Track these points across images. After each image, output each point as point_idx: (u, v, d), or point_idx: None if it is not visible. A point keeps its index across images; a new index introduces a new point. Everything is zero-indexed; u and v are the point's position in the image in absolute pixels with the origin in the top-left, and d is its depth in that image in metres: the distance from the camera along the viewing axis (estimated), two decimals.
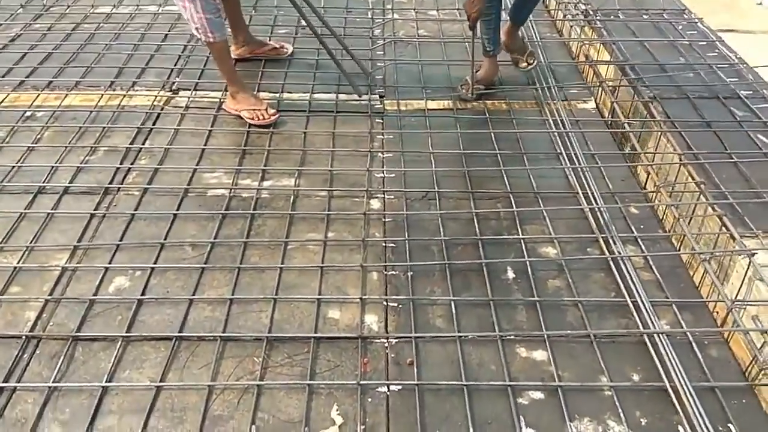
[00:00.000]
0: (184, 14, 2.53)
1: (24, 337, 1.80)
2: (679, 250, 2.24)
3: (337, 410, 1.64)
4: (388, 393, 1.69)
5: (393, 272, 2.05)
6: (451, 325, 1.88)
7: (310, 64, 3.14)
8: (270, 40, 3.27)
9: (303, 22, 2.87)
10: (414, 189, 2.39)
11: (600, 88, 3.08)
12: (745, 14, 4.31)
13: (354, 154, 2.56)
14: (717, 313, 2.05)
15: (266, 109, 2.69)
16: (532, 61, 2.99)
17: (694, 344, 1.82)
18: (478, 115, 2.82)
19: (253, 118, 2.68)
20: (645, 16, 3.57)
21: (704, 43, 3.30)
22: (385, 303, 1.94)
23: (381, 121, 2.78)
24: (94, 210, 2.25)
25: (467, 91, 2.90)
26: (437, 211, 2.28)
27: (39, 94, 2.86)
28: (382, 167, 2.50)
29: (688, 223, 2.25)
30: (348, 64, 2.93)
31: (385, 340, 1.83)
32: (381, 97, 2.91)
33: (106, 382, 1.68)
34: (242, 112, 2.70)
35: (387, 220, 2.25)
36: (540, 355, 1.80)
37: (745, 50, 3.26)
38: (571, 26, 3.64)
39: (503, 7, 2.92)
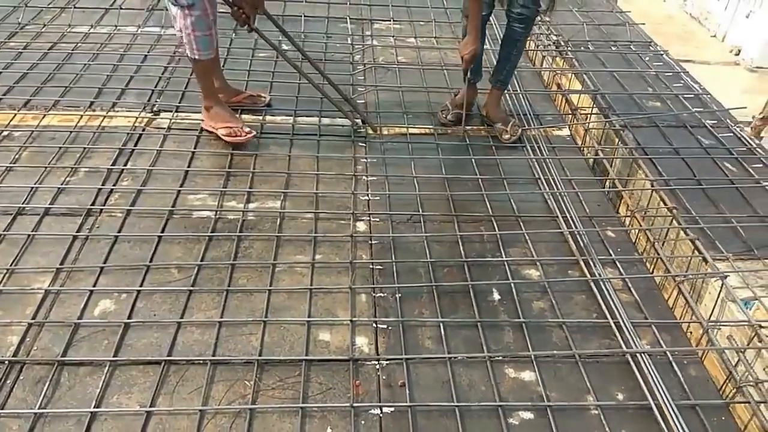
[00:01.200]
0: (174, 24, 2.48)
1: (6, 362, 1.75)
2: (653, 272, 2.32)
3: None
4: (381, 415, 1.70)
5: (381, 294, 2.07)
6: (440, 346, 1.91)
7: (293, 87, 3.16)
8: (246, 87, 3.09)
9: (284, 46, 2.91)
10: (399, 212, 2.43)
11: (573, 116, 3.19)
12: (702, 46, 4.54)
13: (338, 177, 2.59)
14: (690, 333, 2.13)
15: (242, 127, 2.68)
16: (515, 132, 2.87)
17: (674, 363, 1.89)
18: (459, 141, 2.89)
19: (229, 135, 2.66)
20: (613, 48, 3.73)
21: (670, 74, 3.47)
22: (374, 325, 1.96)
23: (364, 145, 2.82)
24: (77, 232, 2.21)
25: (446, 116, 2.96)
26: (423, 234, 2.32)
27: (16, 114, 2.81)
28: (367, 190, 2.53)
29: (662, 247, 2.35)
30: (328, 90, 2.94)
31: (376, 362, 1.84)
32: (363, 122, 2.96)
33: (94, 407, 1.65)
34: (219, 130, 2.69)
35: (374, 242, 2.28)
36: (528, 375, 1.84)
37: (701, 80, 3.44)
38: (543, 56, 3.78)
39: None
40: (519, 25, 2.71)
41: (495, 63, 2.95)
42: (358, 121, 2.91)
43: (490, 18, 2.85)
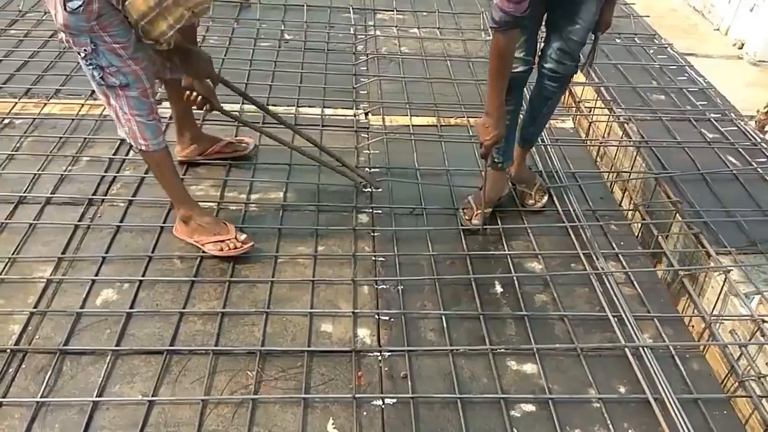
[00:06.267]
0: (109, 112, 1.98)
1: (9, 350, 1.75)
2: (656, 266, 2.32)
3: (333, 424, 1.65)
4: (383, 406, 1.70)
5: (384, 286, 2.07)
6: (442, 338, 1.90)
7: (295, 77, 3.15)
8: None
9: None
10: (401, 204, 2.42)
11: (576, 109, 3.18)
12: (704, 39, 4.52)
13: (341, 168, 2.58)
14: (692, 327, 2.13)
15: (235, 237, 2.11)
16: (540, 198, 2.42)
17: (676, 357, 1.89)
18: (462, 132, 2.87)
19: (221, 251, 2.09)
20: (618, 40, 3.71)
21: (674, 67, 3.46)
22: (376, 317, 1.96)
23: (366, 136, 2.80)
24: (78, 221, 2.20)
25: (471, 218, 2.30)
26: (425, 227, 2.31)
27: (17, 102, 2.80)
28: (370, 183, 2.52)
29: (665, 240, 2.34)
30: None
31: (379, 354, 1.84)
32: (366, 113, 2.95)
33: (96, 396, 1.65)
34: (206, 246, 2.10)
35: (376, 234, 2.27)
36: (530, 368, 1.84)
37: (704, 74, 3.42)
38: None
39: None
40: (551, 84, 2.16)
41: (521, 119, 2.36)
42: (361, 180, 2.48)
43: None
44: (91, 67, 1.83)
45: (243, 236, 2.13)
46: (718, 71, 3.74)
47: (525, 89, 2.29)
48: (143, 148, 1.98)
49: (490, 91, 1.99)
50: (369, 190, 2.46)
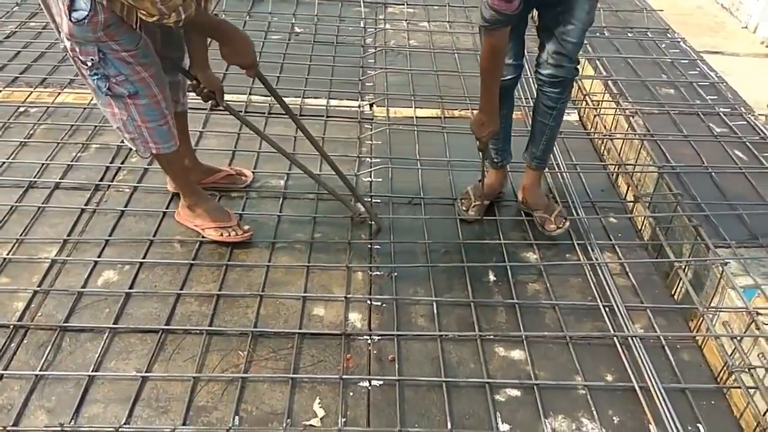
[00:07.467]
0: (111, 121, 1.92)
1: (12, 326, 1.83)
2: (656, 258, 2.31)
3: (319, 403, 1.68)
4: (369, 388, 1.73)
5: (377, 273, 2.10)
6: (432, 324, 1.93)
7: (303, 69, 3.20)
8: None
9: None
10: (400, 194, 2.44)
11: (584, 102, 3.16)
12: (731, 37, 4.43)
13: (343, 158, 2.61)
14: (693, 320, 2.12)
15: (237, 225, 2.16)
16: (561, 225, 2.25)
17: (666, 348, 1.88)
18: (466, 124, 2.87)
19: (221, 236, 2.15)
20: (629, 34, 3.68)
21: (686, 61, 3.41)
22: (369, 302, 1.99)
23: (370, 127, 2.83)
24: (85, 205, 2.28)
25: (468, 209, 2.33)
26: (422, 216, 2.33)
27: (32, 91, 2.89)
28: (370, 172, 2.55)
29: (665, 233, 2.33)
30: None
31: (368, 338, 1.87)
32: (370, 104, 2.98)
33: (92, 371, 1.71)
34: (206, 231, 2.16)
35: (373, 222, 2.30)
36: (518, 354, 1.85)
37: (731, 72, 3.37)
38: None
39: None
40: (552, 90, 2.09)
41: (528, 136, 2.32)
42: (360, 207, 2.33)
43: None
44: (96, 77, 1.77)
45: (246, 227, 2.17)
46: (746, 70, 3.67)
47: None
48: (153, 151, 1.97)
49: (484, 88, 1.97)
50: (369, 223, 2.31)
